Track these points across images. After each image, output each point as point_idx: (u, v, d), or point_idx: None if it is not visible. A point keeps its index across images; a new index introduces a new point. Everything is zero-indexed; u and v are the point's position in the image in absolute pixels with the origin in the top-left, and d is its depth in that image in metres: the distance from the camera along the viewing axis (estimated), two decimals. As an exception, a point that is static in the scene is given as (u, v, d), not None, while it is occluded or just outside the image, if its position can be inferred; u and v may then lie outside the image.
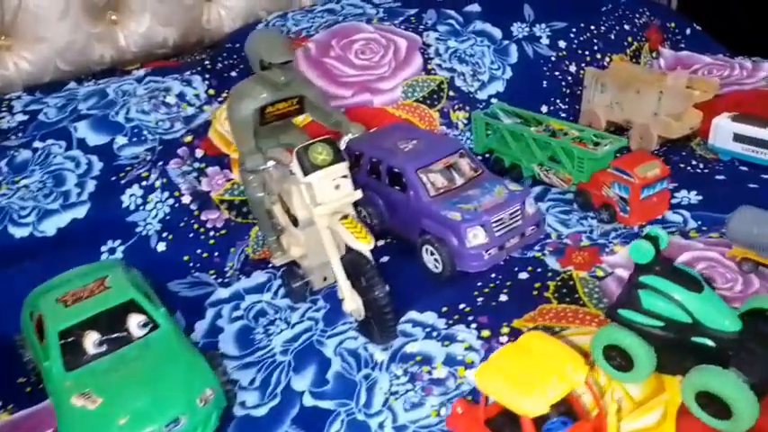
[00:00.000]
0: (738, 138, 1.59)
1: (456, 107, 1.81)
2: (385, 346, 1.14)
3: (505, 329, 1.14)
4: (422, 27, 1.92)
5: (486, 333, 1.14)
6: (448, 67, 1.84)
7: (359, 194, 1.13)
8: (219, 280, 1.42)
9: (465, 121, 1.81)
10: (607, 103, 1.82)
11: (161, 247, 1.45)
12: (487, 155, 1.77)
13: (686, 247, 1.29)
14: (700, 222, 1.38)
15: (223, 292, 1.36)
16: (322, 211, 1.09)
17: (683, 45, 2.31)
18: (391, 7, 2.01)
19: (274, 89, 1.14)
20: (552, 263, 1.31)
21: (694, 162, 1.64)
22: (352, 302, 1.11)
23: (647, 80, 1.74)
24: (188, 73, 1.74)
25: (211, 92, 1.73)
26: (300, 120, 1.40)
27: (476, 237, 1.24)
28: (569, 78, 1.98)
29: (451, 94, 1.82)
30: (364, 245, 1.06)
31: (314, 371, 1.12)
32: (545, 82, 1.95)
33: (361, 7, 2.02)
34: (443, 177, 1.34)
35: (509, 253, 1.31)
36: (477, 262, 1.26)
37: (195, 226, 1.49)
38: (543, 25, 2.01)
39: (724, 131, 1.62)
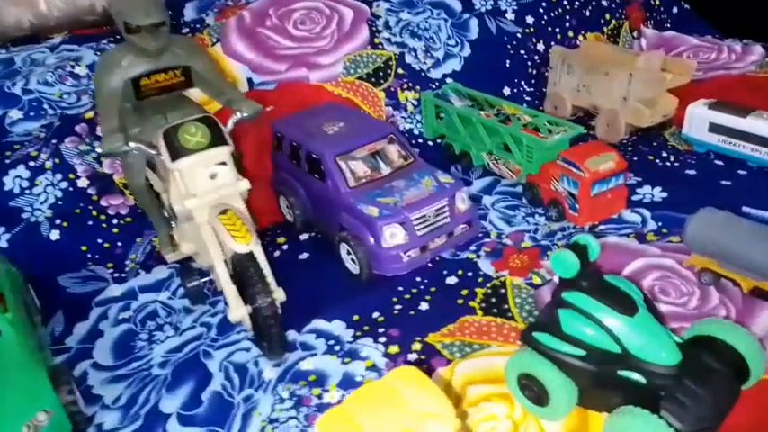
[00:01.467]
0: (714, 128, 1.41)
1: (405, 86, 1.63)
2: (277, 362, 0.98)
3: (417, 345, 0.98)
4: (373, -4, 1.73)
5: (393, 349, 0.98)
6: (398, 42, 1.66)
7: (244, 185, 0.96)
8: (116, 274, 1.25)
9: (415, 103, 1.63)
10: (574, 86, 1.64)
11: (54, 235, 1.29)
12: (439, 140, 1.60)
13: (640, 253, 1.12)
14: (660, 224, 1.21)
15: (115, 290, 1.20)
16: (194, 204, 0.92)
17: (668, 25, 2.11)
18: (344, -26, 1.82)
19: (148, 58, 0.96)
20: (486, 266, 1.15)
21: (665, 154, 1.47)
22: (237, 311, 0.95)
23: (617, 61, 1.56)
24: (105, 41, 1.57)
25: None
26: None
27: (393, 236, 1.07)
28: (536, 58, 1.79)
29: (400, 71, 1.63)
30: (241, 245, 0.89)
31: (190, 389, 0.96)
32: (508, 61, 1.76)
33: (311, -27, 1.83)
34: (366, 166, 1.17)
35: (434, 255, 1.14)
36: (395, 264, 1.09)
37: (94, 213, 1.32)
38: (510, -2, 1.83)
39: (699, 120, 1.44)
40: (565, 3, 1.87)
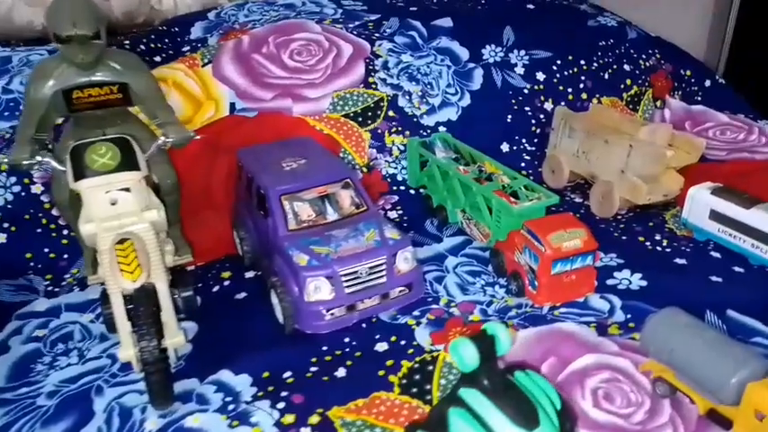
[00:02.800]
0: (715, 216, 1.27)
1: (394, 130, 1.56)
2: (163, 412, 0.90)
3: (315, 418, 0.88)
4: (377, 35, 1.68)
5: (288, 419, 0.88)
6: (393, 84, 1.59)
7: (150, 216, 0.89)
8: (51, 288, 1.21)
9: (402, 148, 1.55)
10: (573, 151, 1.53)
11: (0, 238, 1.27)
12: (422, 190, 1.51)
13: (594, 347, 1.00)
14: (629, 316, 1.08)
15: (41, 304, 1.16)
16: (88, 230, 0.86)
17: (699, 98, 1.98)
18: (354, 10, 1.78)
19: (81, 70, 0.92)
20: (423, 336, 1.04)
21: (658, 237, 1.33)
22: (126, 350, 0.87)
23: (619, 129, 1.45)
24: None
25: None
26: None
27: (318, 290, 0.98)
28: (542, 117, 1.69)
29: (391, 114, 1.57)
30: (126, 281, 0.82)
31: (65, 427, 0.89)
32: (510, 116, 1.67)
33: (322, 6, 1.80)
34: (313, 209, 1.09)
35: (363, 317, 1.04)
36: (316, 321, 1.00)
37: (44, 221, 1.29)
38: (522, 52, 1.73)
39: (700, 205, 1.30)
40: (582, 62, 1.77)
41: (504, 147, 1.65)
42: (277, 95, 1.51)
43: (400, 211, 1.47)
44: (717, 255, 1.26)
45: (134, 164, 0.88)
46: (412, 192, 1.53)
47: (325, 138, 1.48)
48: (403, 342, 1.03)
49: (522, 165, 1.65)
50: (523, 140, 1.67)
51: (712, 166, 1.62)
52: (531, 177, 1.62)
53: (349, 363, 0.99)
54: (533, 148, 1.67)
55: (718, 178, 1.54)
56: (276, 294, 1.03)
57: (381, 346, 1.02)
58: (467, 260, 1.27)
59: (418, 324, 1.07)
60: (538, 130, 1.69)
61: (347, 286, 0.99)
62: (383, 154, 1.54)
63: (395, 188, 1.53)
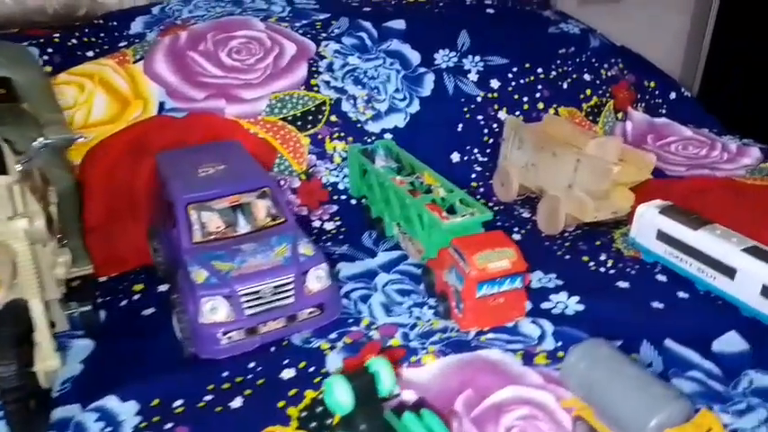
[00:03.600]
0: (662, 236, 1.20)
1: (335, 135, 1.48)
2: (30, 443, 0.81)
3: (194, 455, 0.80)
4: (324, 35, 1.60)
5: (165, 454, 0.80)
6: (337, 87, 1.51)
7: (19, 224, 0.80)
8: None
9: (344, 155, 1.47)
10: (523, 163, 1.45)
11: None
12: (364, 200, 1.44)
13: (516, 378, 0.92)
14: (559, 344, 1.00)
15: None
16: None
17: (663, 111, 1.92)
18: (304, 9, 1.70)
19: None
20: (335, 362, 0.96)
21: (603, 257, 1.25)
22: (-13, 372, 0.79)
23: (570, 142, 1.38)
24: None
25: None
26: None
27: (214, 311, 0.89)
28: (495, 126, 1.62)
29: (333, 119, 1.49)
30: None
31: None
32: (461, 125, 1.59)
33: (272, 3, 1.72)
34: (223, 220, 1.01)
35: (266, 340, 0.96)
36: (211, 346, 0.91)
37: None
38: (477, 58, 1.66)
39: (647, 224, 1.23)
40: (539, 71, 1.70)
41: (455, 157, 1.58)
42: (210, 95, 1.42)
43: (338, 222, 1.39)
44: (663, 278, 1.19)
45: (2, 169, 0.79)
46: (354, 202, 1.45)
47: (260, 142, 1.39)
48: (312, 369, 0.95)
49: (473, 176, 1.57)
50: (475, 150, 1.60)
51: (669, 182, 1.56)
52: (482, 189, 1.55)
53: (248, 392, 0.90)
54: (485, 159, 1.60)
55: (674, 195, 1.48)
56: (175, 313, 0.94)
57: (288, 373, 0.94)
58: (399, 277, 1.19)
59: (332, 348, 0.98)
60: (491, 141, 1.61)
61: (248, 307, 0.91)
62: (324, 161, 1.46)
63: (335, 197, 1.45)
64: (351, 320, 1.06)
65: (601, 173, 1.26)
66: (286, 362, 0.96)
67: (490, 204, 1.48)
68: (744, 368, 0.94)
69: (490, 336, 1.02)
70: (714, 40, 2.90)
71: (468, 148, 1.59)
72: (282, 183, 1.41)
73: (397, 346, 1.00)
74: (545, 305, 1.10)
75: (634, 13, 2.81)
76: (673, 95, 1.92)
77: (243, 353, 0.95)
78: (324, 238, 1.33)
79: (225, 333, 0.90)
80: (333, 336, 1.02)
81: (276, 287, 0.92)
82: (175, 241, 0.99)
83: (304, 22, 1.62)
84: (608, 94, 1.79)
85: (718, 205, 1.45)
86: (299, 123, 1.45)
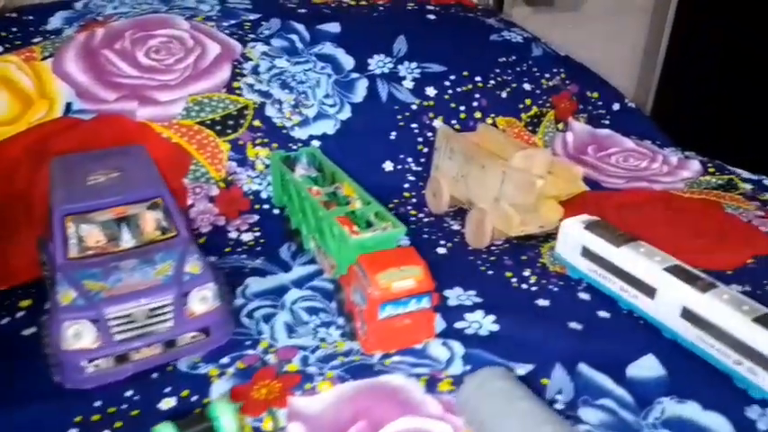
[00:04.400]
0: (586, 253, 1.16)
1: (258, 141, 1.40)
2: None
3: (43, 498, 0.72)
4: (252, 36, 1.53)
5: (9, 497, 0.72)
6: (262, 90, 1.44)
7: None
8: None
9: (267, 162, 1.40)
10: (454, 174, 1.40)
11: None
12: (286, 210, 1.36)
13: (414, 407, 0.85)
14: (468, 368, 0.94)
15: None
16: None
17: (606, 122, 1.89)
18: (235, 9, 1.63)
19: None
20: (220, 390, 0.88)
21: (527, 273, 1.20)
22: None
23: (500, 153, 1.33)
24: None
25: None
26: None
27: (77, 336, 0.81)
28: (430, 135, 1.57)
29: (257, 123, 1.41)
30: None
31: None
32: (395, 133, 1.53)
33: (202, 1, 1.64)
34: (104, 233, 0.93)
35: (139, 368, 0.87)
36: (75, 375, 0.82)
37: None
38: (413, 65, 1.61)
39: (572, 240, 1.19)
40: (477, 79, 1.66)
41: (388, 165, 1.52)
42: (122, 97, 1.34)
43: (257, 233, 1.31)
44: (585, 296, 1.14)
45: None
46: (277, 211, 1.38)
47: (173, 147, 1.31)
48: (194, 398, 0.87)
49: (406, 186, 1.51)
50: (409, 160, 1.54)
51: (606, 194, 1.52)
52: (415, 200, 1.49)
53: (119, 424, 0.82)
54: (419, 169, 1.54)
55: (609, 209, 1.45)
56: (44, 337, 0.86)
57: (168, 403, 0.86)
58: (310, 294, 1.12)
59: (221, 375, 0.91)
60: (425, 150, 1.56)
61: (117, 332, 0.83)
62: (245, 168, 1.38)
63: (258, 207, 1.37)
64: (248, 342, 0.98)
65: (525, 186, 1.21)
66: (167, 390, 0.88)
67: (420, 215, 1.43)
68: (658, 395, 0.90)
69: (396, 359, 0.96)
70: (670, 49, 2.91)
71: (401, 156, 1.53)
72: (198, 191, 1.33)
73: (294, 371, 0.93)
74: (459, 325, 1.04)
75: (591, 23, 2.82)
76: (616, 106, 1.89)
77: (118, 381, 0.87)
78: (239, 250, 1.26)
79: (90, 361, 0.82)
80: (225, 360, 0.94)
81: (152, 310, 0.84)
82: (51, 256, 0.91)
83: (232, 22, 1.55)
84: (548, 104, 1.75)
85: (652, 219, 1.42)
86: (219, 128, 1.37)
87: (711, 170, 1.65)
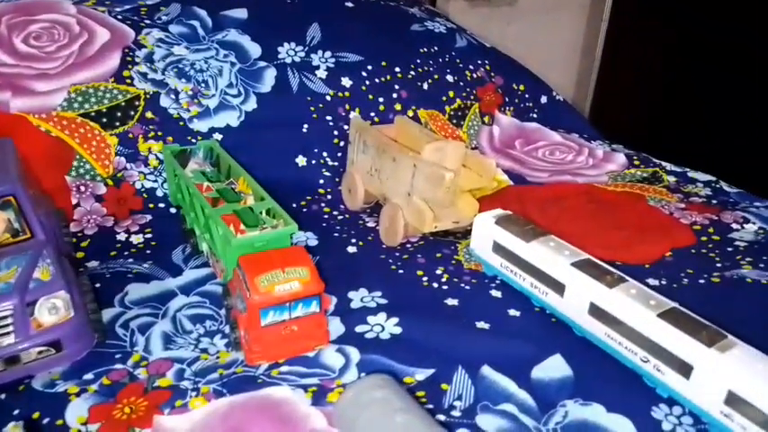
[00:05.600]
0: (498, 248, 1.10)
1: (150, 134, 1.29)
2: None
3: None
4: (148, 22, 1.41)
5: None
6: (156, 80, 1.33)
7: None
8: None
9: (161, 157, 1.29)
10: (368, 169, 1.32)
11: None
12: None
13: (296, 423, 0.76)
14: (363, 375, 0.86)
15: None
16: None
17: (534, 115, 1.85)
18: (134, -7, 1.51)
19: None
20: (78, 410, 0.77)
21: (440, 271, 1.13)
22: None
23: (411, 146, 1.26)
24: None
25: None
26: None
27: None
28: (346, 128, 1.48)
29: (149, 115, 1.30)
30: None
31: None
32: (307, 126, 1.44)
33: (97, -14, 1.51)
34: (-59, 235, 0.81)
35: (-26, 387, 0.76)
36: None
37: None
38: (328, 54, 1.52)
39: (484, 235, 1.13)
40: (397, 70, 1.58)
41: (301, 160, 1.43)
42: (-6, 86, 1.21)
43: (148, 235, 1.20)
44: (497, 294, 1.07)
45: None
46: (173, 210, 1.27)
47: (52, 142, 1.19)
48: (47, 420, 0.76)
49: (321, 182, 1.43)
50: (324, 154, 1.45)
51: (528, 189, 1.47)
52: (330, 197, 1.41)
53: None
54: (335, 163, 1.46)
55: (530, 203, 1.40)
56: None
57: (15, 428, 0.75)
58: (199, 300, 1.02)
59: (81, 393, 0.80)
60: (341, 143, 1.47)
61: (-58, 347, 0.71)
62: (136, 163, 1.27)
63: (152, 206, 1.26)
64: (118, 356, 0.87)
65: (435, 179, 1.13)
66: (17, 411, 0.77)
67: (335, 213, 1.34)
68: (561, 398, 0.84)
69: (284, 369, 0.86)
70: (607, 44, 2.92)
71: (315, 150, 1.44)
72: (83, 189, 1.21)
73: (166, 386, 0.82)
74: (360, 328, 0.96)
75: (528, 18, 2.80)
76: (544, 99, 1.85)
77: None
78: (126, 253, 1.14)
79: None
80: (88, 376, 0.83)
81: (-8, 320, 0.73)
82: None
83: (127, 7, 1.43)
84: (473, 97, 1.70)
85: (573, 213, 1.38)
86: (105, 120, 1.25)
87: (637, 163, 1.62)
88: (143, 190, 1.26)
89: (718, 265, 1.17)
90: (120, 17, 1.39)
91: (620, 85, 2.92)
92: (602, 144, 1.77)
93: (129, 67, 1.31)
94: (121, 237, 1.19)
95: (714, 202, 1.44)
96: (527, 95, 1.83)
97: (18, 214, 0.85)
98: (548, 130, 1.79)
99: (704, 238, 1.27)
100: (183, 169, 1.15)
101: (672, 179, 1.56)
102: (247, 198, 1.05)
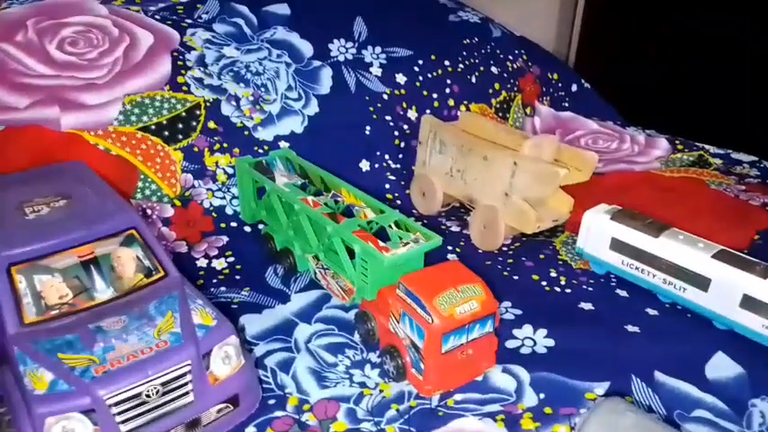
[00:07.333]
0: (617, 246, 1.06)
1: (216, 147, 1.17)
2: None
3: None
4: (190, 21, 1.27)
5: None
6: (214, 85, 1.20)
7: None
8: None
9: (230, 171, 1.17)
10: (446, 170, 1.25)
11: None
12: (261, 227, 1.14)
13: (509, 459, 0.71)
14: (543, 396, 0.80)
15: None
16: None
17: (566, 104, 1.83)
18: (159, -11, 1.36)
19: None
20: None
21: (554, 274, 1.09)
22: None
23: (499, 143, 1.20)
24: None
25: None
26: None
27: (65, 436, 0.57)
28: (406, 128, 1.41)
29: (212, 125, 1.18)
30: None
31: None
32: (369, 127, 1.35)
33: (116, -18, 1.35)
34: (69, 284, 0.67)
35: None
36: (65, 491, 0.59)
37: None
38: (378, 49, 1.43)
39: (598, 233, 1.09)
40: (447, 64, 1.52)
41: (364, 165, 1.33)
42: (37, 102, 1.04)
43: (231, 259, 1.08)
44: (623, 293, 1.04)
45: None
46: (248, 229, 1.15)
47: (114, 161, 1.04)
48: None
49: (387, 186, 1.34)
50: (386, 156, 1.37)
51: (591, 180, 1.45)
52: (399, 202, 1.33)
53: None
54: (398, 166, 1.37)
55: (599, 195, 1.37)
56: (0, 440, 0.60)
57: (192, 504, 0.64)
58: (324, 328, 0.92)
59: (247, 455, 0.70)
60: (402, 144, 1.39)
61: (123, 420, 0.59)
62: (203, 180, 1.14)
63: (223, 226, 1.14)
64: (272, 401, 0.77)
65: (546, 178, 1.08)
66: (188, 485, 0.66)
67: (411, 219, 1.26)
68: (747, 397, 0.81)
69: (458, 397, 0.79)
70: (586, 15, 2.84)
71: (378, 153, 1.35)
72: (150, 212, 1.07)
73: (344, 431, 0.73)
74: (510, 344, 0.89)
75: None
76: (574, 87, 1.84)
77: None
78: (214, 281, 1.02)
79: (87, 467, 0.57)
80: (250, 430, 0.73)
81: (165, 383, 0.61)
82: (-5, 325, 0.64)
83: (161, 5, 1.28)
84: (516, 88, 1.65)
85: (645, 202, 1.36)
86: (167, 134, 1.12)
87: (680, 147, 1.63)
88: (212, 209, 1.13)
89: (808, 244, 1.19)
90: (157, 17, 1.24)
91: (602, 44, 2.82)
92: (636, 130, 1.77)
93: (183, 72, 1.17)
94: (202, 263, 1.06)
95: (768, 181, 1.47)
96: (560, 84, 1.81)
97: (146, 250, 0.73)
98: (583, 119, 1.77)
99: (780, 219, 1.29)
100: (274, 183, 1.04)
101: (718, 161, 1.58)
102: (364, 211, 0.96)
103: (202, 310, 0.69)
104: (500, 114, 1.60)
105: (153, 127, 1.10)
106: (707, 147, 1.64)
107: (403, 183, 1.35)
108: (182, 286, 0.72)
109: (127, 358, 0.60)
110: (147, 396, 0.60)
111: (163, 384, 0.61)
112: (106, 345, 0.61)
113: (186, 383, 0.62)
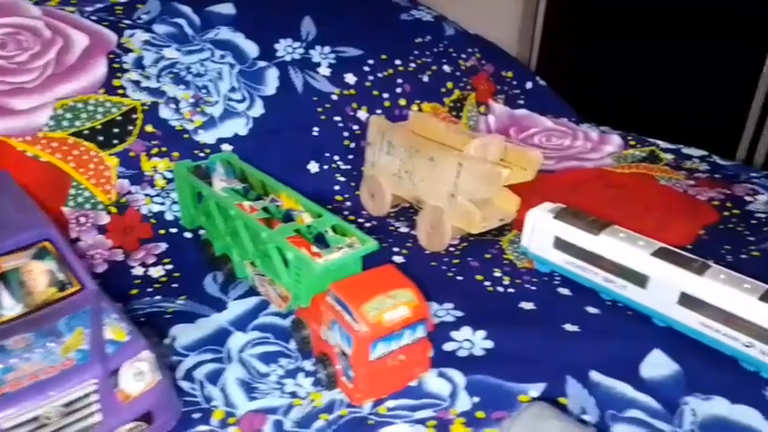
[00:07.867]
0: (561, 244, 1.06)
1: (154, 151, 1.14)
2: None
3: None
4: (128, 22, 1.24)
5: None
6: (152, 88, 1.17)
7: None
8: None
9: (169, 175, 1.14)
10: (395, 171, 1.24)
11: None
12: (201, 232, 1.12)
13: (436, 467, 0.70)
14: (477, 400, 0.79)
15: None
16: None
17: (521, 101, 1.83)
18: (99, -10, 1.32)
19: None
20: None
21: (498, 273, 1.08)
22: None
23: (445, 144, 1.19)
24: None
25: None
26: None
27: (-47, 464, 0.55)
28: (356, 128, 1.39)
29: (150, 129, 1.15)
30: None
31: None
32: (317, 129, 1.33)
33: (52, -17, 1.31)
34: (-27, 301, 0.65)
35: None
36: None
37: None
38: (327, 49, 1.41)
39: (542, 232, 1.09)
40: (398, 63, 1.50)
41: (313, 167, 1.31)
42: (-39, 107, 1.01)
43: (169, 267, 1.05)
44: (566, 291, 1.04)
45: None
46: (188, 235, 1.12)
47: (43, 168, 1.01)
48: None
49: (337, 188, 1.32)
50: (335, 158, 1.35)
51: (542, 177, 1.44)
52: (349, 203, 1.31)
53: None
54: (348, 167, 1.36)
55: (549, 192, 1.37)
56: None
57: None
58: (260, 336, 0.90)
59: (171, 466, 0.68)
60: (352, 145, 1.38)
61: (14, 444, 0.57)
62: (141, 185, 1.11)
63: (162, 232, 1.11)
64: (197, 415, 0.75)
65: (489, 178, 1.07)
66: (101, 505, 0.63)
67: (360, 221, 1.25)
68: (679, 395, 0.81)
69: (390, 404, 0.78)
70: (548, 11, 2.82)
71: (326, 155, 1.33)
72: (83, 220, 1.04)
73: (268, 446, 0.72)
74: (448, 346, 0.88)
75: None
76: (529, 85, 1.84)
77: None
78: (150, 290, 1.00)
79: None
80: (170, 449, 0.71)
81: (68, 404, 0.59)
82: None
83: (98, 6, 1.24)
84: (469, 87, 1.65)
85: (595, 200, 1.37)
86: (101, 139, 1.08)
87: (632, 143, 1.64)
88: (150, 215, 1.11)
89: (751, 238, 1.20)
90: (93, 18, 1.20)
91: (564, 47, 2.80)
92: (590, 127, 1.78)
93: (119, 75, 1.14)
94: (137, 271, 1.04)
95: (717, 176, 1.49)
96: (515, 82, 1.81)
97: (60, 262, 0.70)
98: (537, 116, 1.78)
99: (726, 213, 1.30)
100: (210, 188, 1.01)
101: (669, 156, 1.59)
102: (302, 216, 0.94)
103: (116, 324, 0.66)
104: (453, 113, 1.59)
105: (86, 132, 1.07)
106: (659, 142, 1.65)
107: (353, 184, 1.33)
108: (97, 300, 0.69)
109: (28, 378, 0.58)
110: (48, 419, 0.57)
111: (66, 405, 0.58)
112: (5, 366, 0.59)
113: (92, 403, 0.60)
